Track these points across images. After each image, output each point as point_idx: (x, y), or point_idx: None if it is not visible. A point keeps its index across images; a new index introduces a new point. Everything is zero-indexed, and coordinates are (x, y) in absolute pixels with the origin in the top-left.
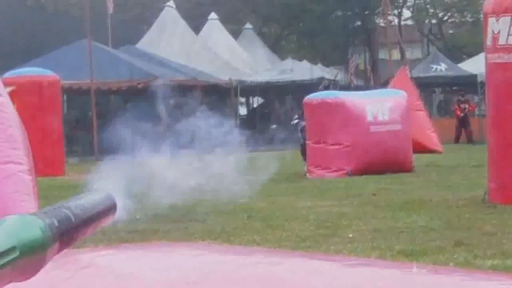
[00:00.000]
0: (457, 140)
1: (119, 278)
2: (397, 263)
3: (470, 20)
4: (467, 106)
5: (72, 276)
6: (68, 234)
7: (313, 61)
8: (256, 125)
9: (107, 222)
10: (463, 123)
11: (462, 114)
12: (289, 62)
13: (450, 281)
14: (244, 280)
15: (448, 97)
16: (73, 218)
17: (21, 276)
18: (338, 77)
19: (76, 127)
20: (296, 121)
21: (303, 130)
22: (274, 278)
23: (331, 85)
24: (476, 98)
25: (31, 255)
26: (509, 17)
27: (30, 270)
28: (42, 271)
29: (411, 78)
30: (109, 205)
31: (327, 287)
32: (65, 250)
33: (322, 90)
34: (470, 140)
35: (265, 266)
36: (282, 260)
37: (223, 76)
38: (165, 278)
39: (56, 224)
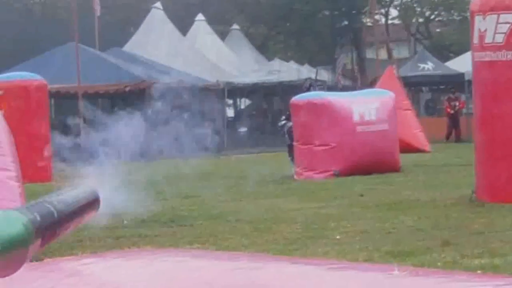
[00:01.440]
0: (448, 137)
1: (102, 286)
2: (379, 266)
3: (457, 18)
4: (457, 103)
5: (56, 285)
6: (51, 229)
7: (300, 61)
8: (243, 126)
9: (90, 217)
10: (453, 120)
11: (452, 112)
12: (276, 63)
13: (430, 282)
14: (227, 286)
15: (435, 96)
16: (55, 213)
17: (3, 271)
18: (319, 76)
19: (64, 131)
20: (283, 122)
21: (289, 131)
22: (257, 283)
23: (313, 85)
24: (463, 97)
25: (13, 250)
26: (496, 15)
27: (12, 265)
28: (26, 280)
29: (398, 77)
30: (92, 200)
31: None
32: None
33: (305, 90)
34: (458, 139)
35: (247, 271)
36: (265, 265)
37: (211, 78)
38: (148, 286)
39: (39, 219)
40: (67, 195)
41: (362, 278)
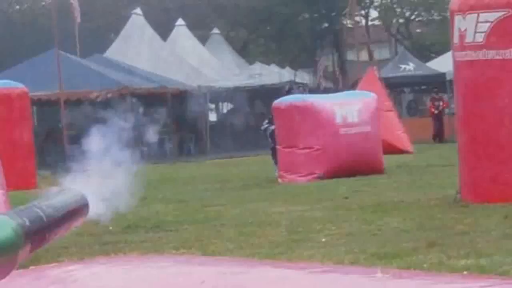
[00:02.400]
0: (434, 138)
1: None
2: (362, 269)
3: (437, 18)
4: (441, 103)
5: None
6: (40, 234)
7: (281, 64)
8: (226, 131)
9: (79, 222)
10: (438, 120)
11: (436, 111)
12: (257, 67)
13: (413, 285)
14: None
15: (417, 97)
16: (45, 218)
17: None
18: (299, 79)
19: (47, 138)
20: (265, 125)
21: (272, 135)
22: None
23: (293, 88)
24: (445, 97)
25: (2, 255)
26: (476, 15)
27: (1, 270)
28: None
29: (380, 78)
30: (81, 204)
31: None
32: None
33: (285, 93)
34: (441, 139)
35: (230, 276)
36: (248, 269)
37: (192, 83)
38: None
39: (28, 224)
40: (56, 200)
41: (345, 281)
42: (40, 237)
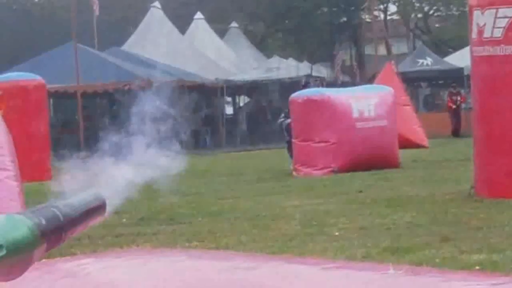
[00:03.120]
0: (453, 132)
1: (97, 287)
2: (374, 265)
3: (456, 13)
4: (458, 98)
5: (51, 286)
6: (56, 233)
7: (299, 58)
8: (242, 124)
9: (96, 221)
10: (455, 115)
11: (454, 106)
12: (275, 60)
13: (425, 281)
14: (220, 285)
15: (434, 91)
16: (61, 217)
17: (7, 275)
18: (317, 73)
19: (63, 130)
20: (281, 119)
21: (288, 128)
22: (251, 283)
23: (310, 82)
24: (462, 92)
25: (18, 254)
26: (494, 10)
27: (16, 270)
28: (22, 281)
29: (397, 73)
30: (98, 204)
31: None
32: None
33: (302, 87)
34: (457, 134)
35: (242, 271)
36: (260, 264)
37: (210, 76)
38: (143, 286)
39: (44, 223)
40: (73, 199)
41: (357, 277)
42: (56, 237)
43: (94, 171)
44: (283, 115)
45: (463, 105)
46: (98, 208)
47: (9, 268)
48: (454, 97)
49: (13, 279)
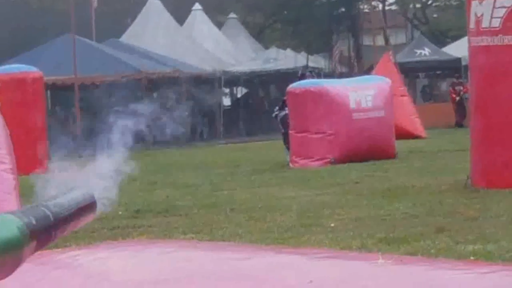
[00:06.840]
0: (457, 124)
1: (89, 278)
2: (364, 254)
3: (454, 3)
4: (461, 88)
5: (44, 277)
6: (46, 233)
7: (297, 49)
8: (239, 115)
9: (87, 220)
10: (459, 106)
11: (458, 98)
12: (273, 51)
13: (414, 271)
14: (212, 276)
15: (432, 82)
16: (51, 217)
17: None
18: (314, 63)
19: (60, 123)
20: (276, 112)
21: (282, 120)
22: (242, 274)
23: (305, 73)
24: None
25: (7, 254)
26: (492, 0)
27: (6, 269)
28: (15, 273)
29: (395, 63)
30: (89, 203)
31: (293, 280)
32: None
33: (298, 79)
34: (460, 125)
35: (233, 261)
36: (251, 255)
37: (208, 67)
38: (135, 277)
39: (34, 222)
40: (64, 197)
41: (346, 266)
42: (47, 236)
43: (88, 165)
44: (277, 107)
45: (466, 96)
46: (88, 207)
47: None
48: (457, 87)
49: (1, 278)
